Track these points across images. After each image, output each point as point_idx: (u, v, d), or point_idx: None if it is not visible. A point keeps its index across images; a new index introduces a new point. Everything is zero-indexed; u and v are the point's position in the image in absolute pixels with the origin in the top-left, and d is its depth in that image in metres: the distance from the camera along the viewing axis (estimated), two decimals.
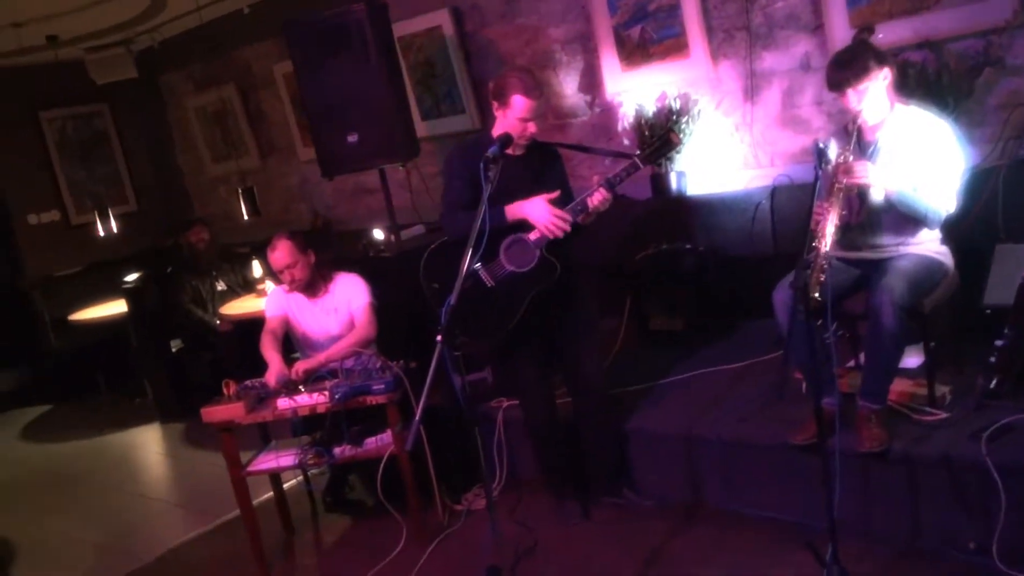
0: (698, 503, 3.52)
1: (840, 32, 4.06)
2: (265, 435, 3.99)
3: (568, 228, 3.22)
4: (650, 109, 4.72)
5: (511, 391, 3.95)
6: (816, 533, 2.94)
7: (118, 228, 7.04)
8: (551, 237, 3.24)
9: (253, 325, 4.42)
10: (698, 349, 4.27)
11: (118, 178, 8.20)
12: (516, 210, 3.26)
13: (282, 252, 3.95)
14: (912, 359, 3.38)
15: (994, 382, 3.02)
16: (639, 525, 3.48)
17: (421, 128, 5.68)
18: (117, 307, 6.53)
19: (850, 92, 2.99)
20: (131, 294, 6.27)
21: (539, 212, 3.23)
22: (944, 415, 3.05)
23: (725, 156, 4.69)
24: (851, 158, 2.93)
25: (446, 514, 3.84)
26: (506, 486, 3.99)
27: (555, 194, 3.27)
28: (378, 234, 5.22)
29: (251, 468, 3.78)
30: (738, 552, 3.17)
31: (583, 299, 3.58)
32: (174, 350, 6.34)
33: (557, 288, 3.37)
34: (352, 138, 4.70)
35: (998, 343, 3.03)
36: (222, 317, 5.81)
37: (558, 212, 3.23)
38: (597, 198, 3.22)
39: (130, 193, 8.25)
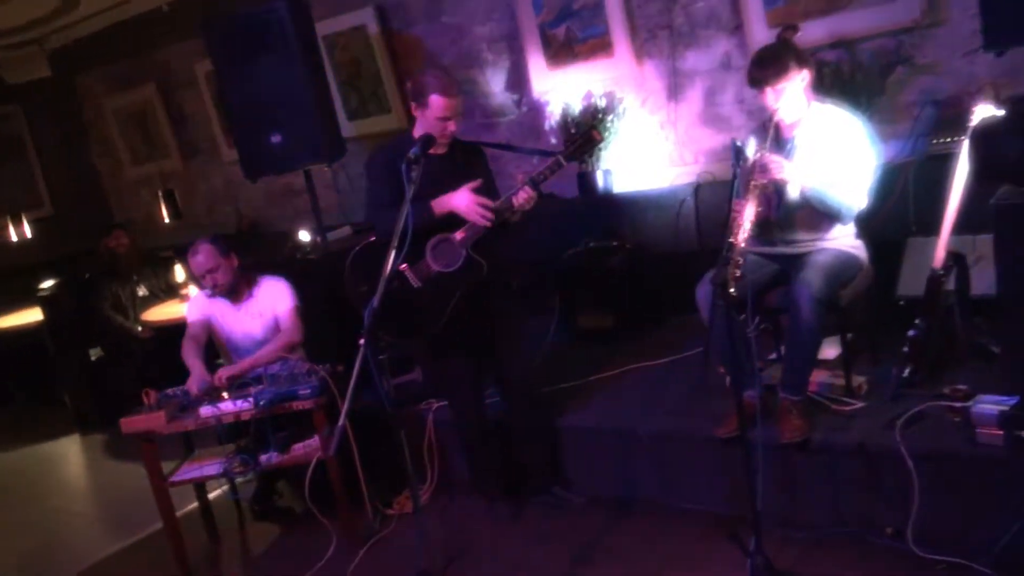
0: (629, 498, 3.54)
1: (759, 32, 4.14)
2: (189, 444, 3.89)
3: (492, 217, 3.22)
4: (576, 107, 4.75)
5: (441, 392, 3.93)
6: (743, 523, 2.99)
7: (32, 233, 6.79)
8: (478, 225, 3.23)
9: (177, 331, 4.30)
10: (627, 345, 4.31)
11: (32, 182, 7.88)
12: (443, 203, 3.25)
13: (204, 256, 3.85)
14: (831, 350, 3.47)
15: (907, 371, 3.12)
16: (571, 522, 3.50)
17: (347, 128, 5.60)
18: (33, 315, 6.30)
19: (768, 90, 3.05)
20: (47, 302, 6.07)
21: (465, 201, 3.23)
22: (861, 405, 3.14)
23: (650, 154, 4.75)
24: (768, 155, 2.99)
25: (377, 518, 3.80)
26: (437, 488, 3.97)
27: (478, 182, 3.26)
28: (304, 236, 5.14)
29: (174, 478, 3.68)
30: (669, 545, 3.20)
31: (511, 298, 3.58)
32: (94, 358, 6.15)
33: (484, 287, 3.36)
34: (275, 139, 4.61)
35: (910, 333, 3.13)
36: (144, 323, 5.65)
37: (482, 200, 3.22)
38: (522, 196, 3.21)
39: (45, 197, 7.94)
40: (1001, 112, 2.81)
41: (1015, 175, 2.58)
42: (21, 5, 5.72)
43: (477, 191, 3.24)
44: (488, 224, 3.22)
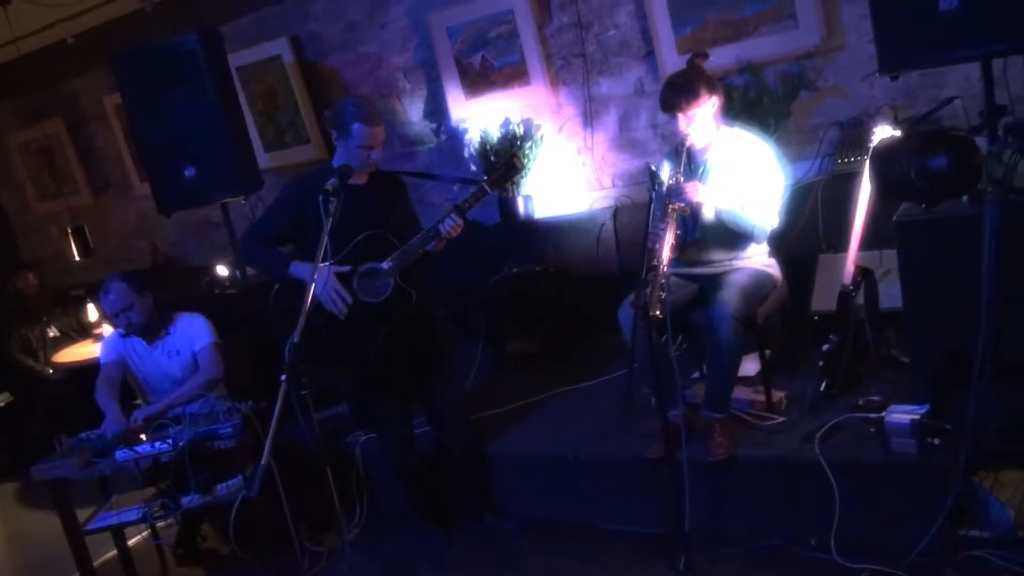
0: (560, 522, 3.54)
1: (670, 58, 4.24)
2: (105, 489, 3.74)
3: (347, 306, 3.23)
4: (495, 135, 4.77)
5: (369, 424, 3.88)
6: (673, 542, 3.02)
7: None
8: (333, 308, 3.23)
9: (90, 372, 4.15)
10: (554, 369, 4.33)
11: None
12: (299, 270, 3.24)
13: (116, 295, 3.73)
14: (750, 367, 3.55)
15: (823, 385, 3.22)
16: (504, 548, 3.49)
17: (264, 159, 5.52)
18: None
19: (680, 116, 3.13)
20: None
21: (321, 283, 3.18)
22: (782, 419, 3.22)
23: (569, 179, 4.81)
24: (682, 179, 3.06)
25: (306, 557, 3.70)
26: (368, 521, 3.90)
27: (345, 268, 3.24)
28: (222, 270, 5.03)
29: (90, 526, 3.54)
30: (600, 568, 3.22)
31: (438, 327, 3.57)
32: (3, 404, 5.88)
33: (412, 317, 3.34)
34: (189, 172, 4.50)
35: (824, 348, 3.23)
36: (55, 365, 5.43)
37: (339, 289, 3.22)
38: (448, 224, 3.21)
39: None
40: (898, 133, 2.95)
41: (913, 193, 2.70)
42: None
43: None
44: (335, 311, 3.22)
